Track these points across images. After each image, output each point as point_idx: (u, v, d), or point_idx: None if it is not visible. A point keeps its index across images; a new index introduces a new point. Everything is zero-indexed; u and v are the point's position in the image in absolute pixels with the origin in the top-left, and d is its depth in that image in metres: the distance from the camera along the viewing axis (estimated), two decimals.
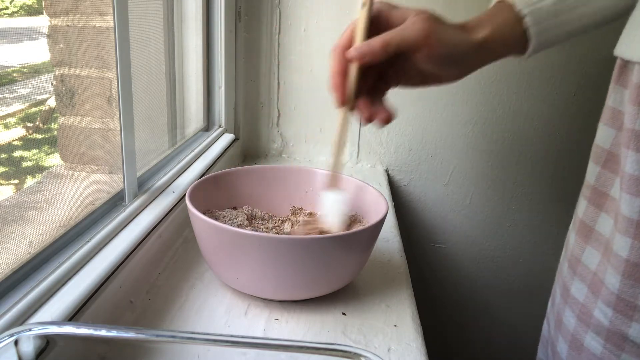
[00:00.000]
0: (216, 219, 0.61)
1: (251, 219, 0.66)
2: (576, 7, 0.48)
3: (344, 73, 0.48)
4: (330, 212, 0.57)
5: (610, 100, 0.53)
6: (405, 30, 0.45)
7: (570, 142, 1.09)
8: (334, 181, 0.56)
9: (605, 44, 1.00)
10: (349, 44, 0.47)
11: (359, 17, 0.47)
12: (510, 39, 0.48)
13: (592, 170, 0.54)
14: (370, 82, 0.50)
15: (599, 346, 0.51)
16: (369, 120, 0.49)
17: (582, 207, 0.56)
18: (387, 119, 0.49)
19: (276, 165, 1.00)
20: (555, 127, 1.08)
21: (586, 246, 0.54)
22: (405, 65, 0.48)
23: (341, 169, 0.57)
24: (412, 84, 0.51)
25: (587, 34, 0.51)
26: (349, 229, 0.56)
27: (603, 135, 0.53)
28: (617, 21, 0.51)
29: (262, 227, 0.65)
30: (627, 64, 0.50)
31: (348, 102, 0.48)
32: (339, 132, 0.52)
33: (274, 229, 0.65)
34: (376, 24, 0.47)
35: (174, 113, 0.89)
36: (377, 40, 0.45)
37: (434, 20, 0.45)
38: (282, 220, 0.67)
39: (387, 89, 0.51)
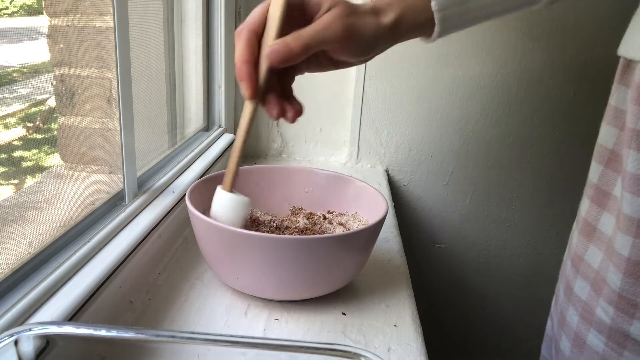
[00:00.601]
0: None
1: (253, 219, 0.66)
2: None
3: (254, 62, 0.44)
4: (223, 215, 0.52)
5: (613, 100, 0.53)
6: (324, 32, 0.43)
7: (570, 142, 1.09)
8: (231, 182, 0.51)
9: (605, 44, 1.01)
10: (261, 28, 0.45)
11: (275, 3, 0.44)
12: (417, 23, 0.47)
13: (595, 170, 0.54)
14: (280, 71, 0.47)
15: (601, 344, 0.52)
16: (279, 116, 0.47)
17: (585, 206, 0.56)
18: (297, 114, 0.47)
19: (276, 165, 1.00)
20: (555, 127, 1.08)
21: (589, 245, 0.54)
22: (316, 54, 0.46)
23: (236, 170, 0.51)
24: (322, 69, 0.50)
25: (499, 17, 0.50)
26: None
27: (606, 134, 0.53)
28: (529, 8, 0.50)
29: (261, 226, 0.65)
30: (630, 63, 0.50)
31: (259, 94, 0.45)
32: (244, 128, 0.48)
33: (276, 230, 0.65)
34: (290, 9, 0.44)
35: (174, 113, 0.89)
36: (296, 43, 0.42)
37: (350, 14, 0.44)
38: (282, 220, 0.67)
39: (295, 75, 0.49)
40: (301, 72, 0.50)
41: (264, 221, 0.66)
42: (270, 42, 0.44)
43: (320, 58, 0.48)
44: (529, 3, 0.50)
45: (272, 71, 0.46)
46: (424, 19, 0.47)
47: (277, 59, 0.43)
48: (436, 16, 0.47)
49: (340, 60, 0.48)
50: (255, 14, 0.45)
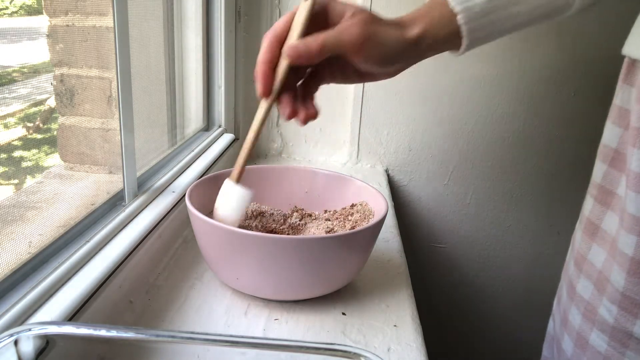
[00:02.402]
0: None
1: (259, 215, 0.66)
2: (509, 6, 0.47)
3: (273, 63, 0.46)
4: (226, 204, 0.54)
5: (617, 99, 0.53)
6: (342, 34, 0.44)
7: (570, 141, 1.09)
8: (238, 174, 0.53)
9: (605, 44, 1.01)
10: (284, 33, 0.46)
11: (300, 10, 0.45)
12: (444, 36, 0.47)
13: (599, 169, 0.54)
14: (302, 77, 0.49)
15: (603, 343, 0.52)
16: (291, 116, 0.47)
17: (588, 205, 0.56)
18: (309, 117, 0.47)
19: (276, 165, 1.00)
20: (555, 127, 1.08)
21: (592, 244, 0.54)
22: (341, 63, 0.47)
23: (244, 163, 0.53)
24: (348, 81, 0.50)
25: (523, 30, 0.50)
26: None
27: (610, 134, 0.53)
28: (555, 18, 0.50)
29: (270, 221, 0.65)
30: (635, 62, 0.50)
31: (272, 94, 0.46)
32: (257, 125, 0.49)
33: (282, 227, 0.65)
34: (315, 16, 0.46)
35: (174, 113, 0.89)
36: (314, 43, 0.43)
37: (370, 22, 0.44)
38: (285, 218, 0.67)
39: (319, 85, 0.50)
40: (326, 81, 0.50)
41: (266, 212, 0.67)
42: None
43: (346, 68, 0.48)
44: (557, 12, 0.49)
45: (296, 74, 0.47)
46: (450, 32, 0.47)
47: (295, 54, 0.44)
48: (463, 29, 0.47)
49: (364, 72, 0.48)
50: (280, 21, 0.47)
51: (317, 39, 0.44)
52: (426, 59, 0.49)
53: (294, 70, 0.47)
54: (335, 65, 0.48)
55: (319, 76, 0.49)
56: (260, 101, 0.48)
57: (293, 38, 0.45)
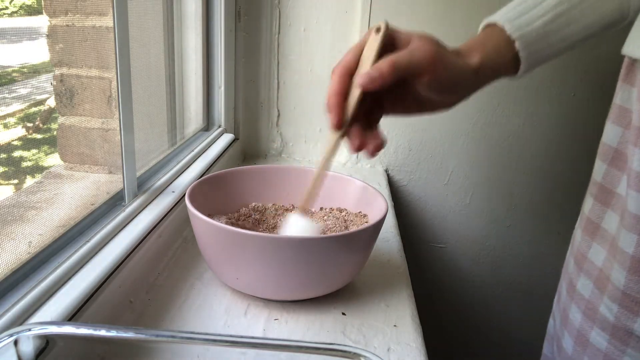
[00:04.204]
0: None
1: (262, 212, 0.66)
2: (565, 27, 0.48)
3: (344, 95, 0.46)
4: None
5: (617, 99, 0.53)
6: (414, 53, 0.44)
7: (570, 141, 1.09)
8: (306, 205, 0.53)
9: (605, 44, 1.01)
10: (354, 65, 0.46)
11: (371, 43, 0.45)
12: (501, 64, 0.48)
13: (599, 168, 0.55)
14: (366, 107, 0.48)
15: (604, 341, 0.52)
16: (359, 148, 0.47)
17: (588, 204, 0.56)
18: (378, 148, 0.47)
19: (276, 165, 1.00)
20: (554, 126, 1.08)
21: (592, 242, 0.55)
22: (403, 91, 0.47)
23: (317, 196, 0.53)
24: (407, 111, 0.50)
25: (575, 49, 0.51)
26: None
27: (610, 133, 0.53)
28: (612, 30, 0.51)
29: (276, 217, 0.65)
30: (635, 62, 0.50)
31: (344, 125, 0.46)
32: (327, 157, 0.49)
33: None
34: (383, 47, 0.46)
35: (174, 113, 0.89)
36: (385, 64, 0.43)
37: (438, 44, 0.45)
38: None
39: (381, 116, 0.50)
40: (387, 111, 0.50)
41: (269, 208, 0.67)
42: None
43: (406, 98, 0.48)
44: (612, 25, 0.50)
45: (361, 105, 0.47)
46: (508, 60, 0.48)
47: (367, 80, 0.43)
48: (521, 55, 0.48)
49: (424, 102, 0.48)
50: (349, 54, 0.47)
51: (387, 60, 0.43)
52: None
53: (360, 102, 0.47)
54: (397, 94, 0.48)
55: (379, 106, 0.49)
56: (329, 133, 0.48)
57: (366, 68, 0.45)
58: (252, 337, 0.34)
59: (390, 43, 0.46)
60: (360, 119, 0.47)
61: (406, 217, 1.17)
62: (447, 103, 0.49)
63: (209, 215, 0.53)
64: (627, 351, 0.50)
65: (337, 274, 0.55)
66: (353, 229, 0.61)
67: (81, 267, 0.49)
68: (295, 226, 0.54)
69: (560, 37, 0.48)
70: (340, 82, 0.46)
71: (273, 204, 0.69)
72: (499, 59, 0.48)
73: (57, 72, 0.62)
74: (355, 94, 0.46)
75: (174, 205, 0.67)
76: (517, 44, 0.47)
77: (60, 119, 0.64)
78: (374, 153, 0.47)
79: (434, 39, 0.45)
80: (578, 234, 0.58)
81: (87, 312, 0.46)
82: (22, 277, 0.45)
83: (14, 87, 0.58)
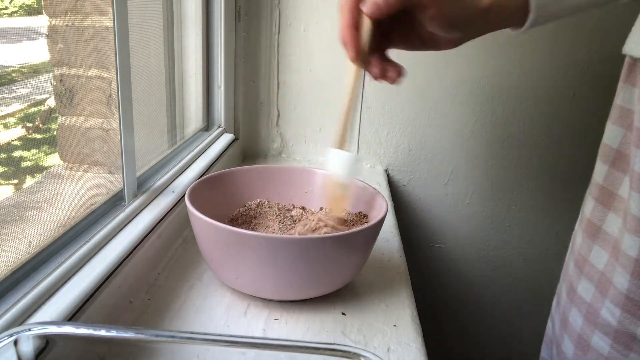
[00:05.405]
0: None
1: (262, 212, 0.67)
2: None
3: (355, 26, 0.46)
4: (338, 170, 0.55)
5: (618, 99, 0.52)
6: None
7: (569, 142, 1.09)
8: (342, 141, 0.55)
9: (606, 44, 1.01)
10: None
11: None
12: (511, 9, 0.47)
13: (600, 170, 0.54)
14: (376, 40, 0.49)
15: (606, 346, 0.51)
16: (381, 76, 0.48)
17: (589, 206, 0.56)
18: (399, 74, 0.48)
19: (276, 165, 1.00)
20: (555, 127, 1.08)
21: (594, 245, 0.54)
22: (407, 26, 0.47)
23: (349, 131, 0.55)
24: (409, 47, 0.50)
25: (585, 13, 0.50)
26: (350, 225, 0.56)
27: (611, 134, 0.53)
28: (618, 1, 0.50)
29: (276, 217, 0.65)
30: (636, 62, 0.50)
31: (362, 55, 0.47)
32: (350, 90, 0.50)
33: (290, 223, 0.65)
34: None
35: (174, 113, 0.89)
36: None
37: None
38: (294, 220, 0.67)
39: (389, 48, 0.50)
40: (394, 44, 0.50)
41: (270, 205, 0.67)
42: None
43: (410, 33, 0.48)
44: None
45: (373, 38, 0.47)
46: (518, 6, 0.47)
47: (375, 7, 0.44)
48: (532, 3, 0.47)
49: (427, 38, 0.48)
50: None
51: None
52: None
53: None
54: (401, 29, 0.48)
55: (387, 39, 0.49)
56: (349, 67, 0.48)
57: None
58: (252, 337, 0.34)
59: None
60: (375, 50, 0.48)
61: (406, 217, 1.17)
62: (449, 42, 0.49)
63: (209, 216, 0.53)
64: (631, 355, 0.49)
65: (337, 274, 0.55)
66: (353, 229, 0.61)
67: (81, 267, 0.49)
68: (338, 159, 0.55)
69: None
70: (350, 15, 0.46)
71: (273, 204, 0.69)
72: (510, 4, 0.47)
73: (57, 72, 0.62)
74: (366, 25, 0.46)
75: (174, 205, 0.67)
76: None
77: (60, 119, 0.64)
78: (395, 79, 0.48)
79: None
80: (578, 236, 0.57)
81: (87, 312, 0.46)
82: (22, 277, 0.45)
83: (14, 87, 0.58)
